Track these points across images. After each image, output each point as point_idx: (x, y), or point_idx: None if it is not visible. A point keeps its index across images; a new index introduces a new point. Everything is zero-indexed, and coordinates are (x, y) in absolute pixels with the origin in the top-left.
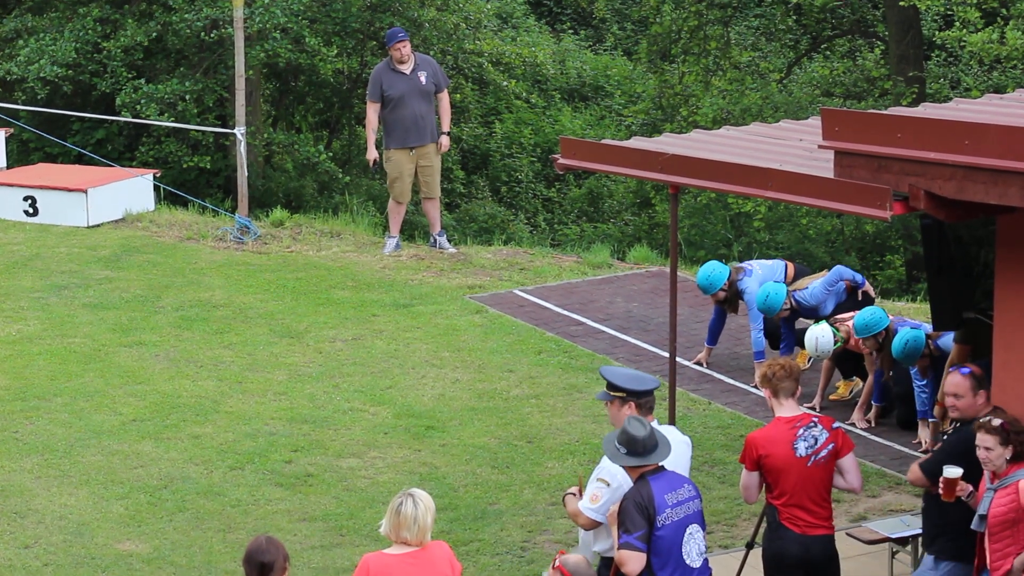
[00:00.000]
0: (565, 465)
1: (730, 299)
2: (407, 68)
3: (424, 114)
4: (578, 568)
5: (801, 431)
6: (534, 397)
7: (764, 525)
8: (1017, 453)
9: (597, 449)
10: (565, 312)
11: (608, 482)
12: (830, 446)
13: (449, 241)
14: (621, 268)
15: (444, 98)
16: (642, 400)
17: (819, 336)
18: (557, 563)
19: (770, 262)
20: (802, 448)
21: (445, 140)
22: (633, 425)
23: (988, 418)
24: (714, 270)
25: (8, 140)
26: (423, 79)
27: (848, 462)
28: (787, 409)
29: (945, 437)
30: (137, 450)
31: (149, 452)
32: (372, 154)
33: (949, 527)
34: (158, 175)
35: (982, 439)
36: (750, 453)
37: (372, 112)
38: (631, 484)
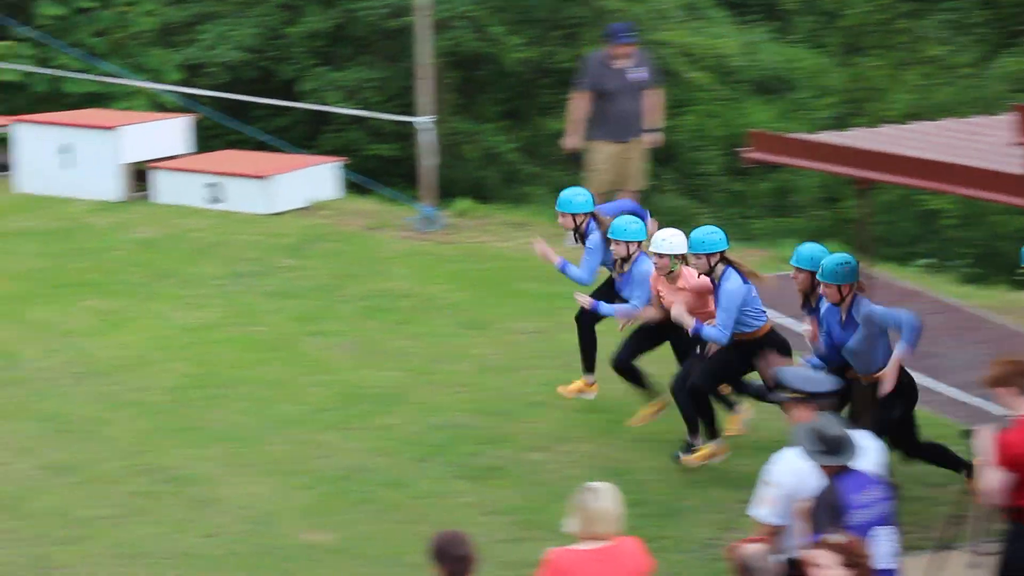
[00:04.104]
0: (755, 461)
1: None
2: (624, 64)
3: (633, 110)
4: (751, 559)
5: None
6: None
7: (976, 527)
8: None
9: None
10: None
11: (775, 484)
12: None
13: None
14: None
15: (655, 95)
16: (819, 401)
17: None
18: (735, 550)
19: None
20: None
21: (654, 137)
22: (825, 423)
23: None
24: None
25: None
26: (637, 75)
27: None
28: None
29: None
30: (321, 440)
31: (334, 442)
32: (572, 142)
33: None
34: (347, 163)
35: None
36: (1008, 452)
37: (580, 101)
38: (801, 482)
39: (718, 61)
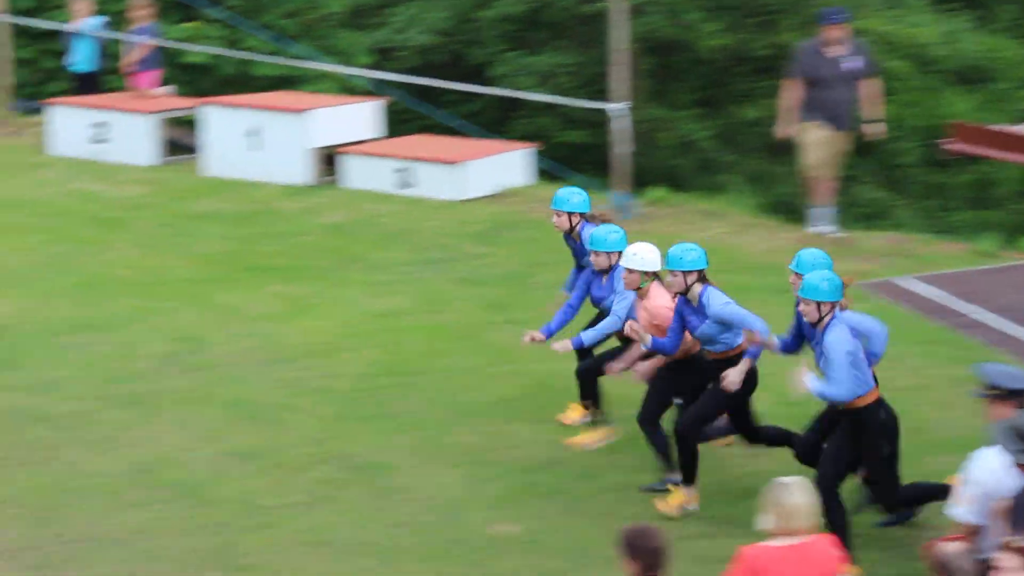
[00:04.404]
0: (949, 460)
1: None
2: (836, 51)
3: (846, 100)
4: (950, 558)
5: None
6: (920, 388)
7: None
8: None
9: (982, 445)
10: (951, 302)
11: (973, 482)
12: None
13: (832, 226)
14: (1012, 258)
15: (871, 84)
16: (1020, 398)
17: None
18: (933, 549)
19: None
20: None
21: (876, 128)
22: None
23: None
24: None
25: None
26: (851, 64)
27: None
28: None
29: None
30: (510, 430)
31: (522, 433)
32: (784, 131)
33: None
34: (540, 149)
35: None
36: None
37: (791, 90)
38: (999, 481)
39: (917, 50)
